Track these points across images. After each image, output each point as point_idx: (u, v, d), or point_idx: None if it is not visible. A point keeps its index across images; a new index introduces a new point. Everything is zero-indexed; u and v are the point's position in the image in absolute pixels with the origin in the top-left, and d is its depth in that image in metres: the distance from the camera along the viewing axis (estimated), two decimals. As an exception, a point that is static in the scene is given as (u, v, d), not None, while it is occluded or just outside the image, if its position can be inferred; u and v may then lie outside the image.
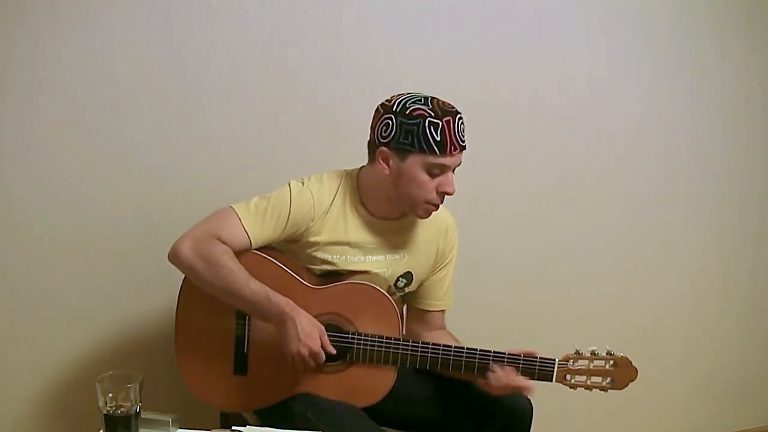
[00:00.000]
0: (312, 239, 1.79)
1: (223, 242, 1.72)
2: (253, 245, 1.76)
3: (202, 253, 1.70)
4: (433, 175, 1.70)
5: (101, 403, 1.39)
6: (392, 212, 1.83)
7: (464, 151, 1.73)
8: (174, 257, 1.74)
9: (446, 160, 1.68)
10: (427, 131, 1.66)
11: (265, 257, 1.78)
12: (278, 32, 2.13)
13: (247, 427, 1.60)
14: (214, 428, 1.60)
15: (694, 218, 2.79)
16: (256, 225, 1.75)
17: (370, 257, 1.83)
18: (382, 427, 1.83)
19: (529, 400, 1.81)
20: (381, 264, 1.83)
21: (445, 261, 1.92)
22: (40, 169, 2.03)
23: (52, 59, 1.98)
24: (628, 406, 2.81)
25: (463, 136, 1.70)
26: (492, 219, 2.50)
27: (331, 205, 1.80)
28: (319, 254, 1.80)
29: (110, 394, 1.39)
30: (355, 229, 1.81)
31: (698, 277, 2.86)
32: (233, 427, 1.58)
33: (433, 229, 1.88)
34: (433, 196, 1.72)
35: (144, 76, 2.05)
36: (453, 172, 1.74)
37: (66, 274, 2.11)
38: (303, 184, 1.80)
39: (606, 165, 2.60)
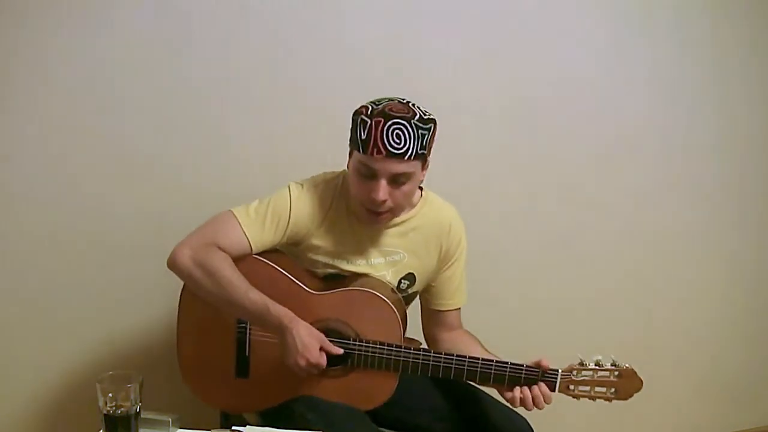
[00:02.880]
0: (313, 243, 1.79)
1: (223, 249, 1.72)
2: (254, 250, 1.75)
3: (201, 262, 1.69)
4: (364, 177, 1.67)
5: (101, 403, 1.39)
6: None
7: (411, 161, 1.65)
8: (173, 265, 1.73)
9: (370, 162, 1.64)
10: (358, 128, 1.66)
11: (267, 263, 1.77)
12: (281, 33, 2.13)
13: (247, 427, 1.60)
14: (214, 428, 1.60)
15: (695, 218, 2.79)
16: (257, 230, 1.74)
17: (372, 260, 1.82)
18: (385, 430, 1.83)
19: (527, 422, 1.81)
20: (382, 266, 1.82)
21: (451, 259, 1.89)
22: (41, 170, 2.04)
23: (53, 59, 1.98)
24: (628, 406, 2.72)
25: (397, 143, 1.62)
26: (492, 218, 2.49)
27: (330, 207, 1.79)
28: (321, 258, 1.80)
29: (110, 394, 1.39)
30: (354, 232, 1.80)
31: (698, 277, 2.86)
32: (233, 427, 1.58)
33: (434, 229, 1.85)
34: (365, 198, 1.68)
35: (146, 76, 2.05)
36: (401, 182, 1.67)
37: (66, 274, 2.11)
38: (303, 186, 1.79)
39: (606, 165, 2.60)
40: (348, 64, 2.21)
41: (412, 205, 1.83)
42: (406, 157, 1.64)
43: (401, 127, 1.63)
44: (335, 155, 2.11)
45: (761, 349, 2.99)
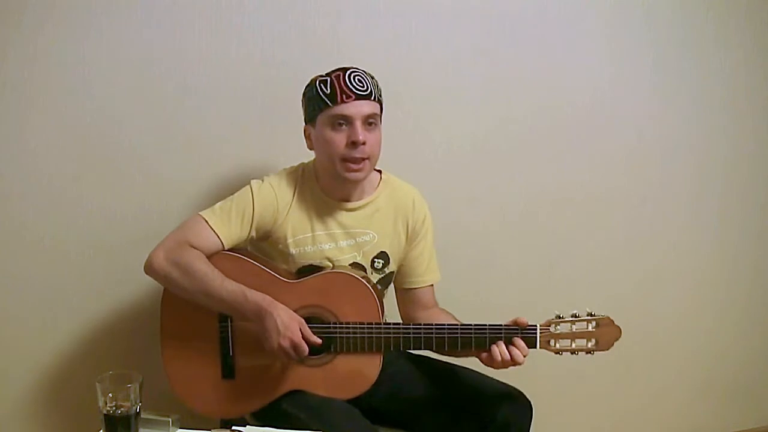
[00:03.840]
0: (281, 233, 1.83)
1: (195, 248, 1.75)
2: (225, 245, 1.79)
3: (176, 261, 1.73)
4: (338, 129, 1.76)
5: (101, 403, 1.39)
6: (346, 192, 1.86)
7: (375, 102, 1.77)
8: (149, 269, 1.76)
9: (342, 109, 1.74)
10: (319, 90, 1.78)
11: (241, 257, 1.81)
12: (278, 32, 2.15)
13: (247, 427, 1.61)
14: (214, 428, 1.59)
15: (696, 219, 2.77)
16: (224, 225, 1.78)
17: (341, 243, 1.86)
18: (379, 426, 1.83)
19: (528, 401, 1.84)
20: (352, 248, 1.86)
21: (418, 236, 1.94)
22: (40, 169, 2.03)
23: (51, 59, 1.98)
24: (629, 407, 2.83)
25: (360, 86, 1.76)
26: (492, 221, 2.49)
27: (293, 197, 1.84)
28: (291, 248, 1.83)
29: (110, 394, 1.39)
30: (320, 217, 1.85)
31: (700, 277, 2.83)
32: (233, 428, 1.58)
33: (399, 206, 1.92)
34: (343, 150, 1.75)
35: (144, 75, 2.06)
36: (372, 124, 1.77)
37: (65, 274, 2.09)
38: (263, 181, 1.85)
39: (607, 166, 2.60)
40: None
41: (373, 188, 1.90)
42: (372, 98, 1.78)
43: (359, 73, 1.78)
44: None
45: (761, 349, 2.96)
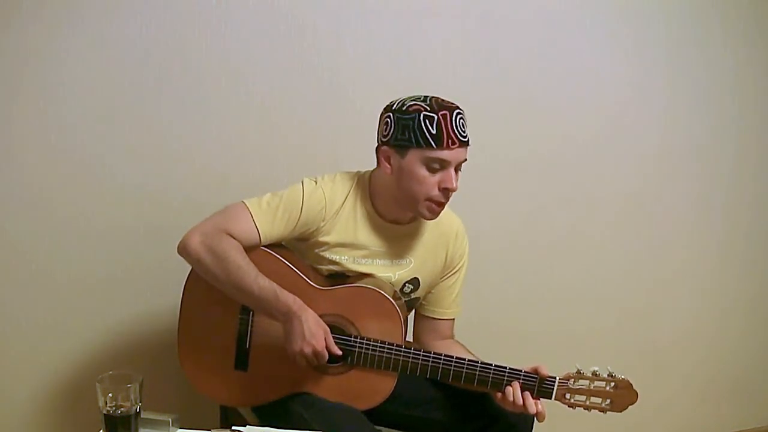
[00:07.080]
0: (321, 239, 1.79)
1: (233, 237, 1.73)
2: (263, 242, 1.76)
3: (212, 248, 1.70)
4: (433, 171, 1.69)
5: (101, 403, 1.41)
6: (401, 216, 1.82)
7: (468, 148, 1.73)
8: (183, 250, 1.74)
9: (444, 154, 1.67)
10: (423, 125, 1.67)
11: (273, 254, 1.78)
12: (277, 32, 2.12)
13: (247, 426, 1.61)
14: (214, 428, 1.61)
15: (696, 219, 2.81)
16: (267, 222, 1.75)
17: (377, 261, 1.82)
18: (383, 428, 1.84)
19: None
20: (388, 269, 1.83)
21: (454, 268, 1.92)
22: (40, 169, 2.02)
23: (43, 58, 1.97)
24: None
25: (463, 131, 1.69)
26: (495, 225, 2.49)
27: (342, 206, 1.79)
28: (327, 254, 1.80)
29: (110, 394, 1.40)
30: (364, 232, 1.81)
31: (699, 278, 2.88)
32: (233, 427, 1.59)
33: (443, 235, 1.88)
34: (435, 192, 1.71)
35: (143, 76, 2.05)
36: (459, 169, 1.73)
37: (67, 274, 2.11)
38: (316, 183, 1.80)
39: (607, 168, 2.62)
40: (346, 66, 2.22)
41: None
42: (468, 144, 1.73)
43: (462, 116, 1.71)
44: (333, 158, 2.18)
45: (762, 350, 3.01)
